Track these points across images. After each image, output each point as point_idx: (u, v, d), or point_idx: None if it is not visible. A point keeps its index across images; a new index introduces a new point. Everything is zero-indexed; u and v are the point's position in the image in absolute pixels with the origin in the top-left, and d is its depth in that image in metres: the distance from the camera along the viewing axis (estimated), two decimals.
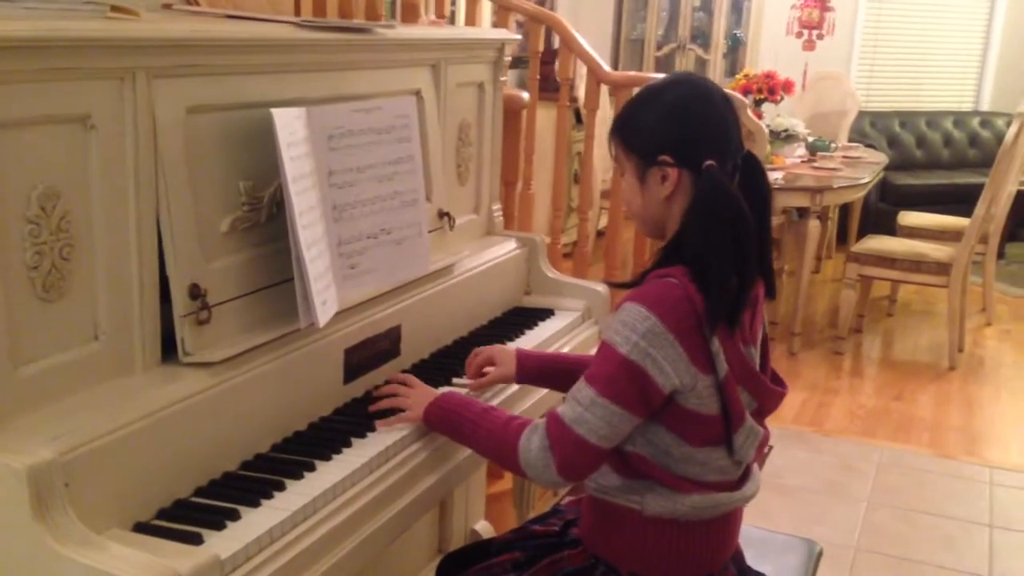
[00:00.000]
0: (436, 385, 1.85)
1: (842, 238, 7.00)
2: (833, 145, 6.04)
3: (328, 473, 1.52)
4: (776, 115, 5.78)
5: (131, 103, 1.39)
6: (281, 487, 1.46)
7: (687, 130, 1.58)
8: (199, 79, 1.52)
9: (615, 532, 1.63)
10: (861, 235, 6.04)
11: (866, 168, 5.70)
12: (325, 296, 1.66)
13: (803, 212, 5.16)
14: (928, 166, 7.69)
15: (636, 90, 3.53)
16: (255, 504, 1.40)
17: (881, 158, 6.24)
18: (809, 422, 4.23)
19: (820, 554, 2.00)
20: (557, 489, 1.73)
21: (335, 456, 1.58)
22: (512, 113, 2.91)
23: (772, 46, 7.42)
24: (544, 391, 2.06)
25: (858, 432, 4.19)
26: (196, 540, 1.30)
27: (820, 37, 6.90)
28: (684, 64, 7.69)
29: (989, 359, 5.21)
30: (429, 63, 2.14)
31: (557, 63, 3.90)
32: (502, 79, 2.45)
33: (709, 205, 1.54)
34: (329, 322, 1.68)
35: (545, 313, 2.37)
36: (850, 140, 6.91)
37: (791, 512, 3.40)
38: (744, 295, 1.55)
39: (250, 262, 1.63)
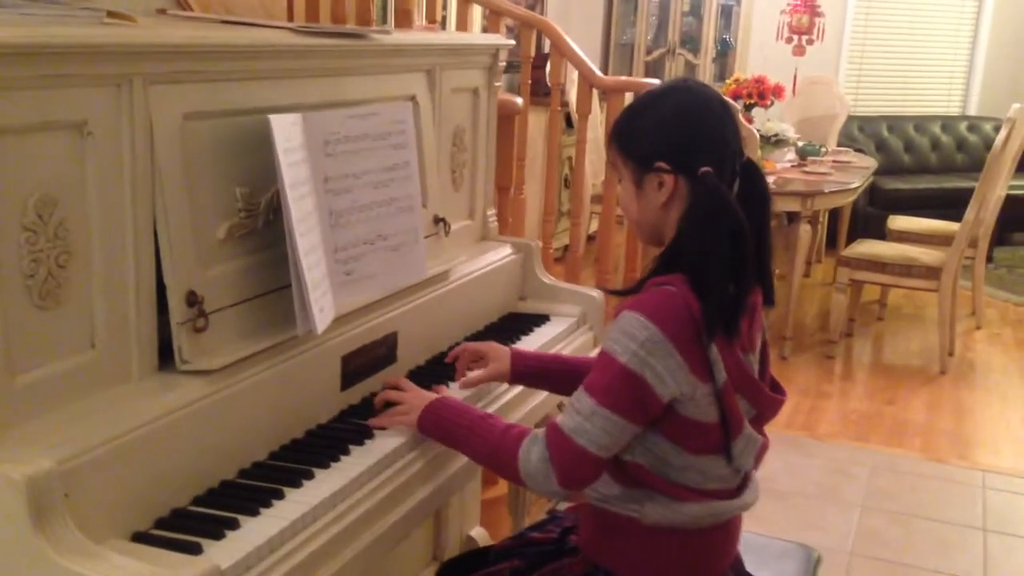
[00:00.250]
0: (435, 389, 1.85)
1: (831, 242, 7.01)
2: (823, 150, 6.06)
3: (327, 481, 1.51)
4: (766, 120, 5.80)
5: (128, 110, 1.38)
6: (280, 496, 1.45)
7: (683, 137, 1.57)
8: (196, 85, 1.51)
9: (614, 540, 1.62)
10: (850, 239, 6.06)
11: (856, 173, 5.72)
12: (322, 303, 1.65)
13: (793, 217, 5.17)
14: (916, 170, 7.73)
15: (628, 95, 3.56)
16: (254, 513, 1.39)
17: (871, 162, 6.26)
18: (802, 426, 4.24)
19: (819, 560, 2.00)
20: (557, 499, 1.72)
21: (333, 464, 1.57)
22: (506, 118, 2.91)
23: (761, 51, 7.45)
24: (541, 396, 2.06)
25: (850, 436, 4.19)
26: (195, 550, 1.29)
27: (810, 42, 6.92)
28: (674, 68, 7.71)
29: (979, 363, 5.22)
30: (424, 68, 2.13)
31: (548, 68, 3.90)
32: (496, 84, 2.44)
33: (705, 212, 1.53)
34: (325, 329, 1.67)
35: (540, 319, 2.37)
36: (839, 145, 6.94)
37: (785, 517, 3.40)
38: (741, 302, 1.55)
39: (247, 269, 1.62)
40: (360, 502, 1.52)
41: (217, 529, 1.34)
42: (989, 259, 6.16)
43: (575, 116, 3.87)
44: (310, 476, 1.52)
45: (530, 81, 3.84)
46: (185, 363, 1.47)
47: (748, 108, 5.77)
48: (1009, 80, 7.93)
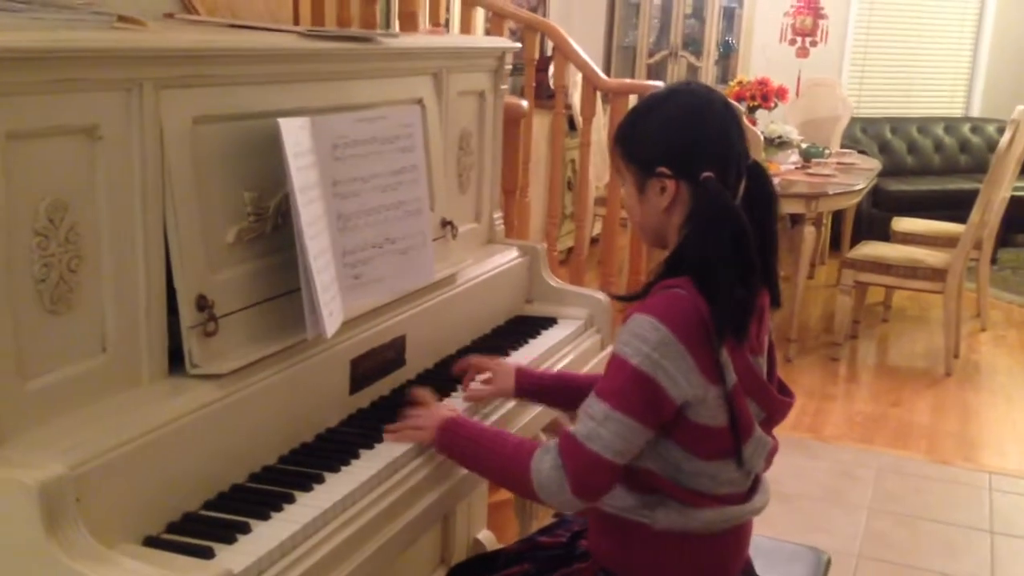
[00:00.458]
0: (442, 397, 1.85)
1: (835, 244, 7.01)
2: (827, 151, 6.05)
3: (338, 485, 1.51)
4: (770, 122, 5.80)
5: (138, 114, 1.38)
6: (291, 499, 1.45)
7: (685, 141, 1.57)
8: (205, 89, 1.51)
9: (625, 546, 1.61)
10: (854, 241, 6.06)
11: (860, 174, 5.72)
12: (332, 307, 1.65)
13: (797, 219, 5.16)
14: (919, 172, 7.72)
15: (632, 97, 3.55)
16: (265, 517, 1.39)
17: (874, 164, 6.25)
18: (807, 429, 4.23)
19: (828, 563, 1.99)
20: (572, 512, 1.70)
21: (344, 468, 1.57)
22: (511, 121, 2.91)
23: (763, 53, 7.44)
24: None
25: (856, 439, 4.19)
26: (207, 554, 1.29)
27: (813, 44, 6.91)
28: (676, 71, 7.70)
29: (985, 365, 5.22)
30: (431, 72, 2.13)
31: (551, 70, 3.90)
32: (503, 87, 2.44)
33: (707, 217, 1.53)
34: (334, 333, 1.67)
35: (548, 322, 2.36)
36: (842, 146, 6.93)
37: (792, 519, 3.39)
38: (751, 305, 1.54)
39: (256, 273, 1.62)
40: (371, 505, 1.52)
41: (228, 533, 1.34)
42: (993, 261, 6.15)
43: (578, 119, 3.88)
44: (320, 480, 1.52)
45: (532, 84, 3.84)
46: (195, 367, 1.47)
47: (751, 110, 5.77)
48: (1012, 81, 7.92)
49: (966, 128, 7.95)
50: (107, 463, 1.26)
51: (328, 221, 1.69)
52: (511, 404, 1.96)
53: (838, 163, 5.98)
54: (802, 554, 2.01)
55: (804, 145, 5.91)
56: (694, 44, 7.72)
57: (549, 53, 5.39)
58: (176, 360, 1.47)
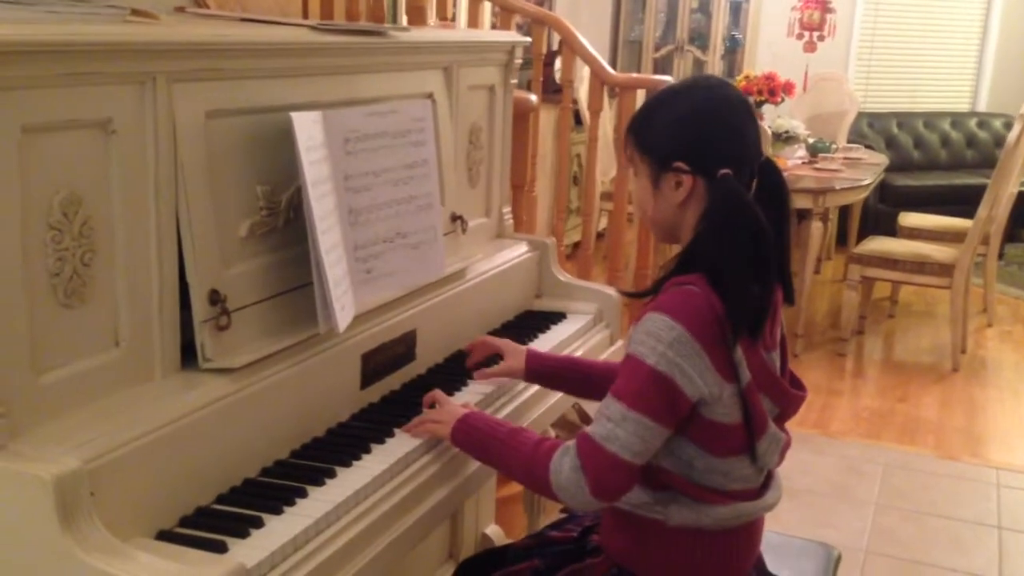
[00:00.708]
0: (453, 390, 1.85)
1: (841, 239, 7.00)
2: (833, 146, 6.04)
3: (350, 479, 1.51)
4: (777, 116, 5.78)
5: (151, 107, 1.38)
6: (303, 494, 1.45)
7: (703, 137, 1.56)
8: (217, 83, 1.51)
9: (639, 542, 1.61)
10: (860, 236, 6.05)
11: (867, 169, 5.71)
12: (343, 301, 1.65)
13: (804, 213, 5.16)
14: (926, 167, 7.70)
15: (641, 92, 3.55)
16: (278, 511, 1.39)
17: (881, 159, 6.24)
18: (814, 424, 4.23)
19: (839, 559, 1.99)
20: (591, 512, 1.70)
21: (355, 462, 1.56)
22: (520, 116, 2.90)
23: (770, 48, 7.43)
24: (557, 395, 2.05)
25: (863, 434, 4.18)
26: (220, 548, 1.29)
27: (821, 39, 6.89)
28: (682, 65, 7.69)
29: (991, 360, 5.21)
30: (441, 66, 2.13)
31: (558, 64, 3.90)
32: (512, 82, 2.44)
33: (724, 215, 1.52)
34: (346, 327, 1.67)
35: (557, 316, 2.36)
36: (849, 141, 6.92)
37: (799, 515, 3.39)
38: (766, 303, 1.54)
39: (268, 267, 1.62)
40: (383, 500, 1.51)
41: (242, 527, 1.34)
42: (1000, 256, 6.14)
43: (584, 113, 3.87)
44: (332, 474, 1.52)
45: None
46: (208, 361, 1.47)
47: (758, 105, 5.75)
48: (1019, 76, 7.90)
49: (973, 123, 7.93)
50: (121, 457, 1.26)
51: (340, 215, 1.69)
52: (520, 400, 1.95)
53: (845, 158, 5.97)
54: (812, 550, 2.00)
55: (811, 140, 5.90)
56: (700, 38, 7.71)
57: (555, 47, 5.38)
58: (189, 354, 1.47)
